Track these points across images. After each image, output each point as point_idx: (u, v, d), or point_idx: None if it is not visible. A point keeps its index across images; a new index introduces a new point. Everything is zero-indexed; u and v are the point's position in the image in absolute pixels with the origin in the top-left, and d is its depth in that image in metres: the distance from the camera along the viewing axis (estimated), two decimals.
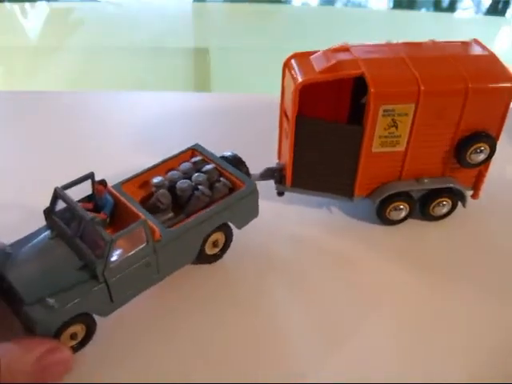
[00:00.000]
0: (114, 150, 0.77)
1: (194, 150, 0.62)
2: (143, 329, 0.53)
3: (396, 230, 0.65)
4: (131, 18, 1.72)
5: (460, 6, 2.02)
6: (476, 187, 0.65)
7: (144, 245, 0.49)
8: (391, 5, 1.99)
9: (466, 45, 0.62)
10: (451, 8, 1.96)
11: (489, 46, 0.61)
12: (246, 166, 0.62)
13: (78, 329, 0.48)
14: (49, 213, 0.52)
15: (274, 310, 0.55)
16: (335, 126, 0.59)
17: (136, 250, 0.49)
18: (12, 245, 0.51)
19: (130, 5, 1.86)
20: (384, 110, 0.56)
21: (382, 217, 0.65)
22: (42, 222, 0.53)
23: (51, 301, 0.45)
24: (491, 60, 0.59)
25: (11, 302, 0.48)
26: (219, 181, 0.58)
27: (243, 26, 1.68)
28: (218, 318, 0.54)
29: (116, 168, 0.60)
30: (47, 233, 0.52)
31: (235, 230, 0.59)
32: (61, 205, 0.53)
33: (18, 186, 0.70)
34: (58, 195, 0.52)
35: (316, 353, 0.51)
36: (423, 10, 1.93)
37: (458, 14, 1.95)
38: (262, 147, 0.68)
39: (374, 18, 1.83)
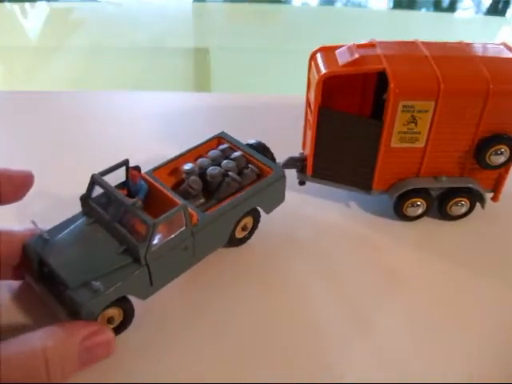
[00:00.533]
0: (114, 149, 0.76)
1: (221, 138, 0.63)
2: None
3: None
4: (131, 18, 1.72)
5: (460, 5, 2.02)
6: (496, 190, 0.65)
7: (183, 228, 0.51)
8: (391, 5, 1.99)
9: (493, 47, 0.62)
10: (451, 8, 1.96)
11: None
12: (271, 152, 0.64)
13: (116, 313, 0.49)
14: (85, 199, 0.53)
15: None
16: (355, 119, 0.60)
17: (176, 233, 0.50)
18: (49, 231, 0.51)
19: (130, 5, 1.86)
20: (403, 106, 0.56)
21: (399, 212, 0.65)
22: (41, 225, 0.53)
23: (97, 284, 0.46)
24: None
25: (52, 287, 0.49)
26: (247, 167, 0.59)
27: (243, 26, 1.68)
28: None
29: None
30: (83, 219, 0.52)
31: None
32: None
33: None
34: (95, 181, 0.53)
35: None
36: (423, 10, 1.93)
37: (458, 13, 1.95)
38: None
39: (374, 17, 1.82)
